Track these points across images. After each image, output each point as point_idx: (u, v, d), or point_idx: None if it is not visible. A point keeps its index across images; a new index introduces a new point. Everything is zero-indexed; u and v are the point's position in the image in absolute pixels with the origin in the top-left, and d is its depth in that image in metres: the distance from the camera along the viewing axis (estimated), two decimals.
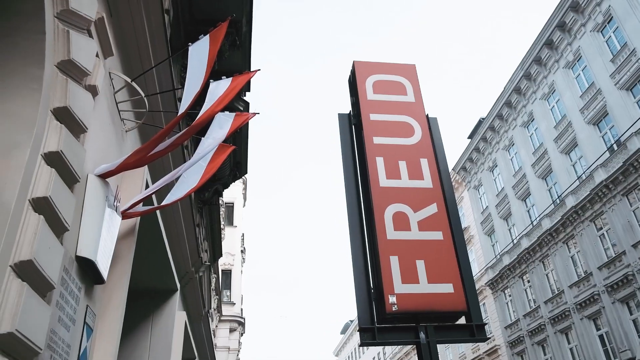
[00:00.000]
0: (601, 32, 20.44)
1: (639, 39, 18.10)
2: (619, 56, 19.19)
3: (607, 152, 19.03)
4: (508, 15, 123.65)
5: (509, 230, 27.07)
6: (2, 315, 2.27)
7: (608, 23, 20.04)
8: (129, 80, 4.07)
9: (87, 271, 3.44)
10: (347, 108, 10.53)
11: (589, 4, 20.58)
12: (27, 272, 2.46)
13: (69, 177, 2.96)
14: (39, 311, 2.54)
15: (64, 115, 2.91)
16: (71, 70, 2.95)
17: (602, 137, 20.24)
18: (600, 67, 20.05)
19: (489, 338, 6.95)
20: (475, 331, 5.85)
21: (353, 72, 7.58)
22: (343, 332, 64.04)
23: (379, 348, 48.74)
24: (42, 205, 2.63)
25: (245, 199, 26.82)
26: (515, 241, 25.70)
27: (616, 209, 18.75)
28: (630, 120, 17.63)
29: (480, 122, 30.45)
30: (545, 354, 23.30)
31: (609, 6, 19.55)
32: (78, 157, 3.06)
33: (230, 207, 23.45)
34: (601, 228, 19.91)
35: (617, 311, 18.57)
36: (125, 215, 4.17)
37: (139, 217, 4.66)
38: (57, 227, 2.79)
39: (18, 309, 2.32)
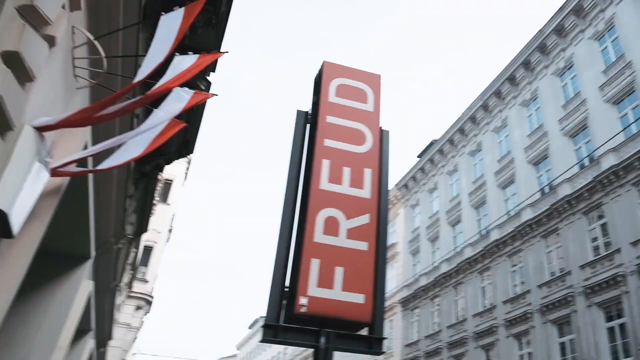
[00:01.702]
0: (560, 76, 21.48)
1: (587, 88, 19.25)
2: (570, 103, 20.23)
3: (539, 192, 20.01)
4: (487, 41, 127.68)
5: (433, 252, 27.83)
6: None
7: (566, 70, 21.19)
8: (91, 37, 3.88)
9: None
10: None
11: (554, 48, 21.70)
12: None
13: (3, 123, 2.80)
14: None
15: (13, 60, 2.75)
16: (31, 16, 2.78)
17: (539, 177, 21.19)
18: (553, 111, 21.03)
19: (384, 352, 7.12)
20: (372, 344, 5.97)
21: (320, 72, 7.51)
22: (251, 326, 63.75)
23: (281, 347, 48.54)
24: None
25: (185, 178, 26.11)
26: (435, 264, 26.41)
27: (532, 249, 19.95)
28: (565, 165, 18.64)
29: (431, 144, 30.99)
30: None
31: (572, 53, 20.66)
32: (18, 104, 2.91)
33: (168, 184, 22.74)
34: (515, 265, 21.06)
35: (509, 345, 19.88)
36: (54, 172, 3.96)
37: (69, 178, 4.46)
38: None
39: None
